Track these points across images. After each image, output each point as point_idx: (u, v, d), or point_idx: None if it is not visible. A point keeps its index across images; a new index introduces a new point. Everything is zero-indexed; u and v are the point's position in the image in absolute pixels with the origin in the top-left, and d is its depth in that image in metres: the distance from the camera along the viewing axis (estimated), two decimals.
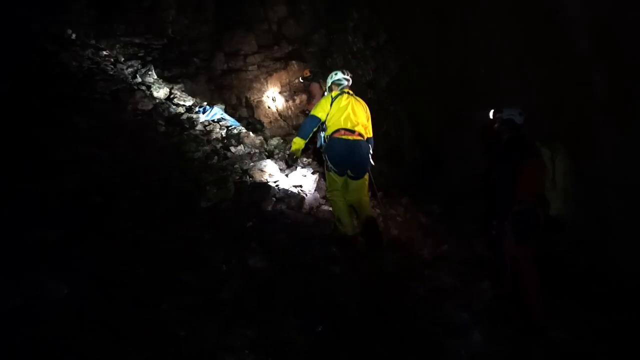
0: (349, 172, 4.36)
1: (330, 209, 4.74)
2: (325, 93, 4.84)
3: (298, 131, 4.54)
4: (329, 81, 4.83)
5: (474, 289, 4.14)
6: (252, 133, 6.26)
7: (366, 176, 4.49)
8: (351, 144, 4.31)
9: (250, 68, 7.91)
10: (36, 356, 1.95)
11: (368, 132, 4.52)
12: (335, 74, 4.80)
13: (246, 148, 5.76)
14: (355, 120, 4.37)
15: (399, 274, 3.91)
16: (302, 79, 6.57)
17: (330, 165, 4.33)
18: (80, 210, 3.04)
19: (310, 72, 6.48)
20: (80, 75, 5.05)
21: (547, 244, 4.40)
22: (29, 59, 4.47)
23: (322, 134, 4.51)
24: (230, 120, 6.42)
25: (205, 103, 6.91)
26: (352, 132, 4.33)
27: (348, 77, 4.76)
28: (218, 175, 4.66)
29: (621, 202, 4.36)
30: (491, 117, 3.99)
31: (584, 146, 4.60)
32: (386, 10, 7.86)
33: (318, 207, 4.96)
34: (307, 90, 6.43)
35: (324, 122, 4.43)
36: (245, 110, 7.69)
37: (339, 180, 4.37)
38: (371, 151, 4.51)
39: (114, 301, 2.38)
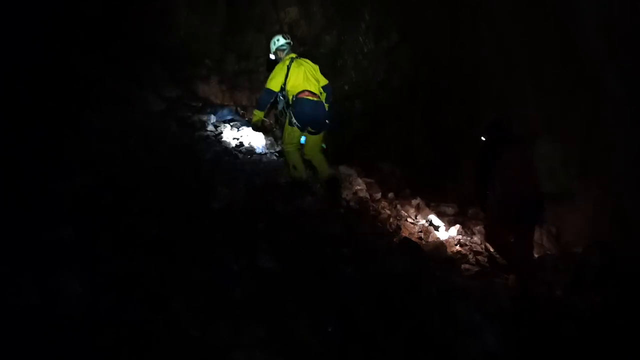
0: (309, 128, 4.83)
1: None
2: (271, 56, 5.16)
3: (256, 104, 5.10)
4: (273, 47, 5.11)
5: (487, 290, 4.10)
6: (263, 133, 6.25)
7: (323, 133, 4.97)
8: (314, 105, 4.76)
9: (261, 69, 7.91)
10: (51, 354, 1.97)
11: (322, 82, 4.90)
12: (278, 40, 5.09)
13: (257, 148, 5.77)
14: (314, 83, 4.80)
15: (410, 274, 3.88)
16: None
17: (294, 121, 4.77)
18: (93, 209, 3.07)
19: None
20: (90, 76, 5.09)
21: (562, 246, 4.36)
22: (40, 59, 4.51)
23: (282, 99, 5.04)
24: (241, 121, 6.43)
25: (217, 104, 6.93)
26: (314, 93, 4.76)
27: (290, 41, 5.11)
28: (229, 175, 4.67)
29: (636, 201, 4.29)
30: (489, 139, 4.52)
31: (597, 145, 4.55)
32: (398, 10, 7.82)
33: (328, 207, 4.95)
34: None
35: (281, 91, 4.89)
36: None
37: (298, 134, 4.87)
38: (330, 97, 4.97)
39: (126, 300, 2.40)
